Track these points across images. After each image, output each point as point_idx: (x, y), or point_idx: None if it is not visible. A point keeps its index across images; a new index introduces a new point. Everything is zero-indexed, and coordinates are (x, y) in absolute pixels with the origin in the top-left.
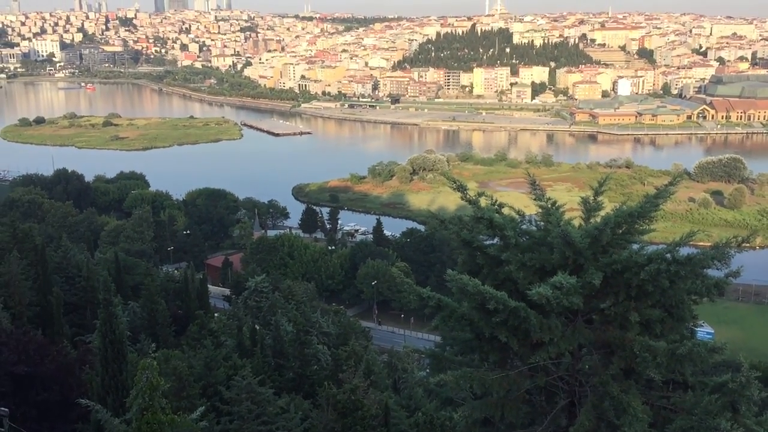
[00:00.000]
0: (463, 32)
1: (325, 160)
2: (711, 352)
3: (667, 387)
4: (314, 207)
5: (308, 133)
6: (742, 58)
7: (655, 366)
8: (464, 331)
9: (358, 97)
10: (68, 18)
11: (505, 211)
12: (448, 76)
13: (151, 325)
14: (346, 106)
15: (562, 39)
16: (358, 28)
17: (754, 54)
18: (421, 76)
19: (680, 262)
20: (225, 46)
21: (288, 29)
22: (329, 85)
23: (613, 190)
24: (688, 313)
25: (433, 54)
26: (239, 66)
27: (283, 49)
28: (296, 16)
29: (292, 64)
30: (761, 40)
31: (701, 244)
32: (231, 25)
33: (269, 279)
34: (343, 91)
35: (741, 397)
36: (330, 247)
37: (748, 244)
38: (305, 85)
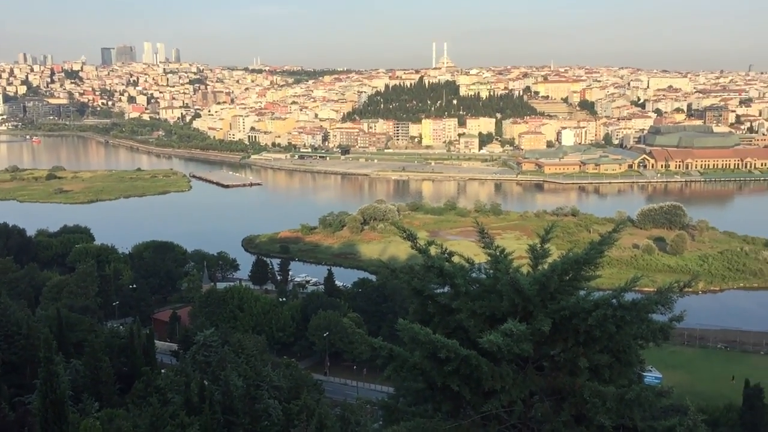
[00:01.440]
0: (411, 84)
1: (275, 210)
2: (659, 397)
3: None
4: (264, 258)
5: (258, 184)
6: (678, 110)
7: (604, 411)
8: (416, 381)
9: (309, 148)
10: (12, 70)
11: (455, 259)
12: (398, 127)
13: (94, 383)
14: (296, 157)
15: (507, 91)
16: (307, 81)
17: (689, 105)
18: (371, 127)
19: (626, 307)
20: (173, 98)
21: (237, 81)
22: (279, 137)
23: (560, 237)
24: (635, 358)
25: (382, 105)
26: (188, 118)
27: (232, 101)
28: (246, 69)
29: (242, 115)
30: (695, 92)
31: (646, 289)
32: (180, 77)
33: (218, 333)
34: (293, 143)
35: None
36: (281, 299)
37: (690, 289)
38: (255, 136)
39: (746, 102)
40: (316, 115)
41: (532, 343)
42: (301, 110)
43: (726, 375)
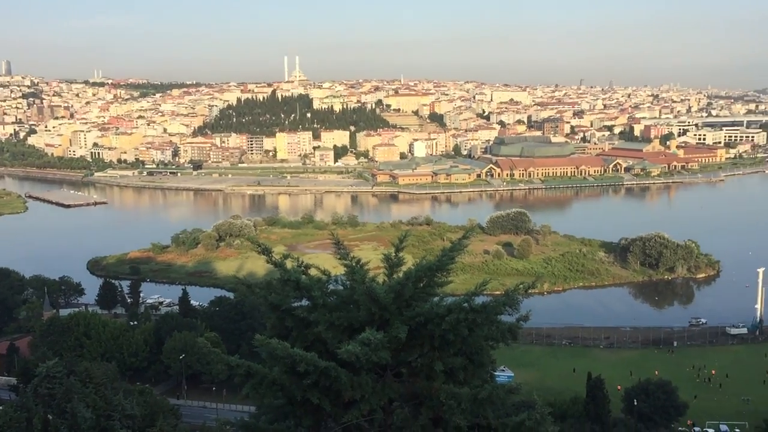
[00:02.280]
0: (263, 98)
1: (123, 230)
2: (509, 394)
3: None
4: (113, 281)
5: (104, 203)
6: (519, 122)
7: (460, 412)
8: (276, 397)
9: (158, 164)
10: None
11: (313, 272)
12: (251, 141)
13: None
14: (145, 173)
15: (360, 104)
16: (154, 94)
17: (529, 117)
18: (224, 142)
19: (476, 310)
20: (5, 113)
21: (77, 95)
22: (125, 153)
23: (415, 246)
24: (487, 359)
25: (234, 119)
26: (22, 134)
27: (72, 116)
28: (86, 82)
29: (83, 131)
30: (534, 105)
31: (496, 292)
32: (11, 91)
33: (63, 362)
34: (140, 159)
35: None
36: (132, 323)
37: (535, 290)
38: (99, 152)
39: (579, 114)
40: (165, 130)
41: (390, 351)
42: (148, 125)
43: (568, 369)
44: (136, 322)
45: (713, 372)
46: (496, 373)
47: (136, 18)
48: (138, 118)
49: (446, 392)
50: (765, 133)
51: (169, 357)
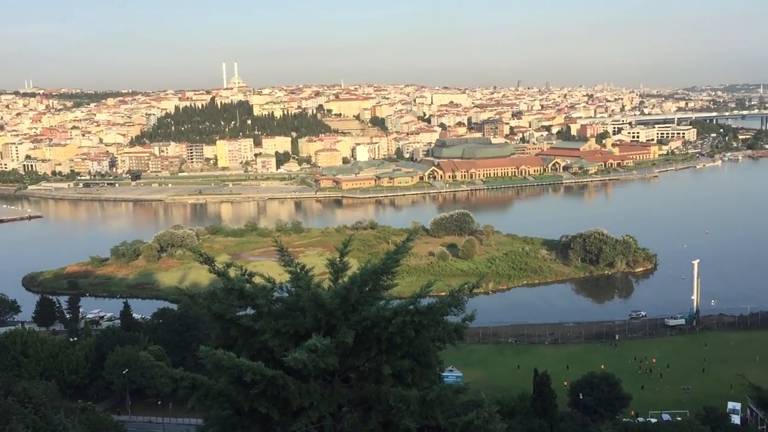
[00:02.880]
0: (202, 105)
1: (60, 244)
2: (456, 394)
3: None
4: (50, 297)
5: (38, 216)
6: (460, 124)
7: (409, 414)
8: (223, 408)
9: (95, 175)
10: None
11: (257, 280)
12: (191, 149)
13: None
14: (81, 185)
15: (300, 110)
16: (89, 104)
17: (469, 119)
18: (163, 151)
19: (422, 312)
20: None
21: (7, 106)
22: (60, 164)
23: (360, 250)
24: (434, 360)
25: (173, 128)
26: None
27: (2, 127)
28: (16, 93)
29: (15, 143)
30: (473, 107)
31: (442, 293)
32: None
33: (0, 383)
34: (76, 170)
35: (486, 431)
36: (72, 339)
37: (479, 290)
38: (32, 165)
39: (517, 115)
40: (101, 140)
41: (337, 356)
42: (83, 135)
43: (515, 366)
44: (76, 338)
45: (653, 361)
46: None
47: (67, 26)
48: (72, 128)
49: (395, 395)
50: (695, 130)
51: (111, 372)
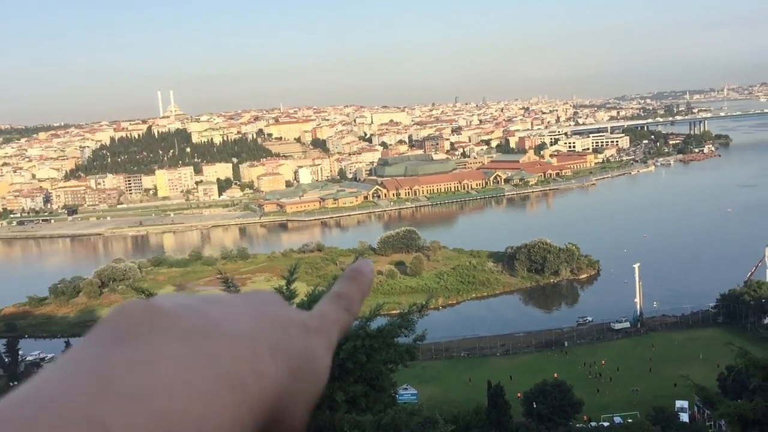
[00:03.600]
0: (139, 135)
1: None
2: (411, 416)
3: None
4: None
5: None
6: (401, 142)
7: None
8: None
9: (29, 212)
10: None
11: None
12: (129, 180)
13: None
14: (15, 223)
15: (240, 135)
16: (19, 139)
17: (410, 137)
18: (99, 183)
19: (373, 335)
20: None
21: None
22: None
23: (309, 273)
24: (387, 383)
25: (109, 159)
26: None
27: None
28: None
29: None
30: (413, 124)
31: (393, 312)
32: None
33: None
34: (8, 208)
35: None
36: (12, 383)
37: (430, 307)
38: None
39: (457, 130)
40: (34, 176)
41: None
42: (15, 172)
43: (471, 380)
44: (17, 383)
45: (603, 362)
46: (399, 391)
47: None
48: (2, 165)
49: (349, 422)
50: (628, 137)
51: None
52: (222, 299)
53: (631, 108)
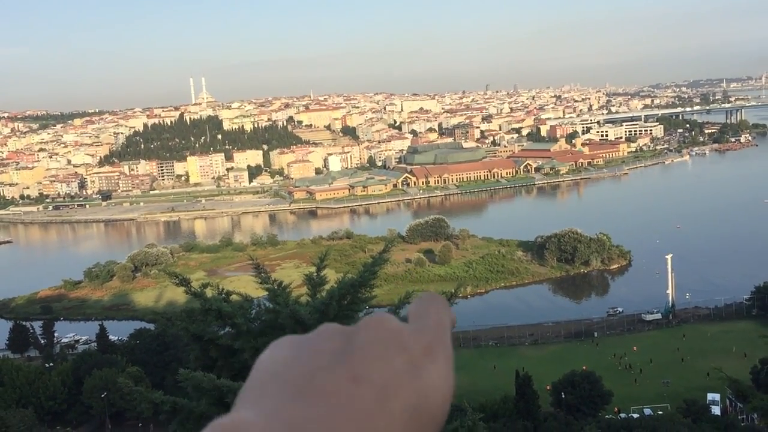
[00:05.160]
0: (171, 122)
1: (31, 269)
2: None
3: None
4: (23, 323)
5: (8, 242)
6: (431, 129)
7: None
8: None
9: (64, 197)
10: None
11: (234, 298)
12: (162, 166)
13: None
14: (51, 208)
15: (271, 122)
16: (55, 125)
17: (439, 125)
18: (133, 169)
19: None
20: None
21: None
22: (28, 188)
23: (337, 260)
24: None
25: (142, 146)
26: None
27: None
28: None
29: None
30: (443, 112)
31: None
32: None
33: None
34: (45, 193)
35: None
36: (47, 365)
37: (459, 296)
38: None
39: (487, 118)
40: (69, 162)
41: None
42: (51, 157)
43: (499, 369)
44: (51, 364)
45: (634, 349)
46: None
47: (29, 47)
48: (39, 150)
49: None
50: (662, 126)
51: (89, 396)
52: (324, 390)
53: (666, 96)
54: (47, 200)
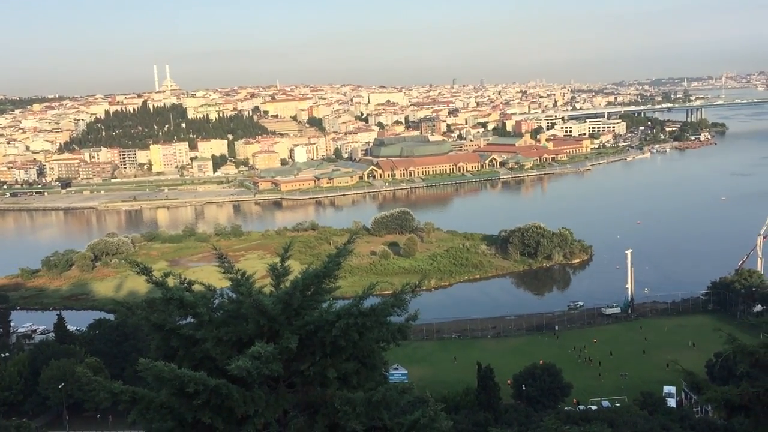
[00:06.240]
0: (134, 109)
1: None
2: (402, 394)
3: None
4: None
5: None
6: (397, 122)
7: (355, 417)
8: (166, 420)
9: (22, 184)
10: None
11: (197, 287)
12: (124, 154)
13: None
14: (8, 195)
15: (236, 112)
16: (13, 110)
17: (406, 118)
18: (93, 157)
19: (365, 314)
20: None
21: None
22: None
23: (302, 252)
24: (379, 361)
25: (104, 133)
26: None
27: None
28: None
29: None
30: (410, 105)
31: (386, 292)
32: None
33: None
34: (2, 179)
35: (432, 430)
36: (3, 355)
37: (423, 288)
38: None
39: (454, 112)
40: (28, 148)
41: (282, 362)
42: (8, 143)
43: (461, 361)
44: (7, 354)
45: (594, 341)
46: (390, 371)
47: None
48: None
49: (340, 398)
50: (624, 123)
51: (47, 387)
52: None
53: (629, 94)
54: (4, 187)
